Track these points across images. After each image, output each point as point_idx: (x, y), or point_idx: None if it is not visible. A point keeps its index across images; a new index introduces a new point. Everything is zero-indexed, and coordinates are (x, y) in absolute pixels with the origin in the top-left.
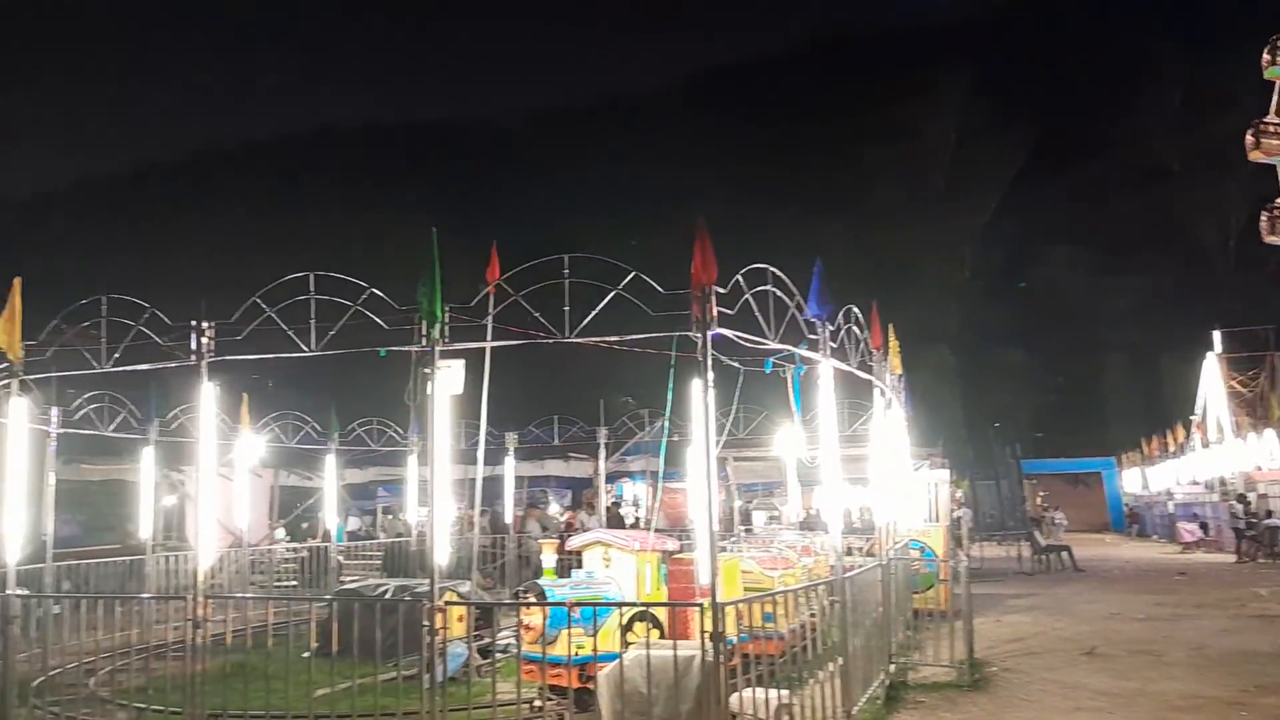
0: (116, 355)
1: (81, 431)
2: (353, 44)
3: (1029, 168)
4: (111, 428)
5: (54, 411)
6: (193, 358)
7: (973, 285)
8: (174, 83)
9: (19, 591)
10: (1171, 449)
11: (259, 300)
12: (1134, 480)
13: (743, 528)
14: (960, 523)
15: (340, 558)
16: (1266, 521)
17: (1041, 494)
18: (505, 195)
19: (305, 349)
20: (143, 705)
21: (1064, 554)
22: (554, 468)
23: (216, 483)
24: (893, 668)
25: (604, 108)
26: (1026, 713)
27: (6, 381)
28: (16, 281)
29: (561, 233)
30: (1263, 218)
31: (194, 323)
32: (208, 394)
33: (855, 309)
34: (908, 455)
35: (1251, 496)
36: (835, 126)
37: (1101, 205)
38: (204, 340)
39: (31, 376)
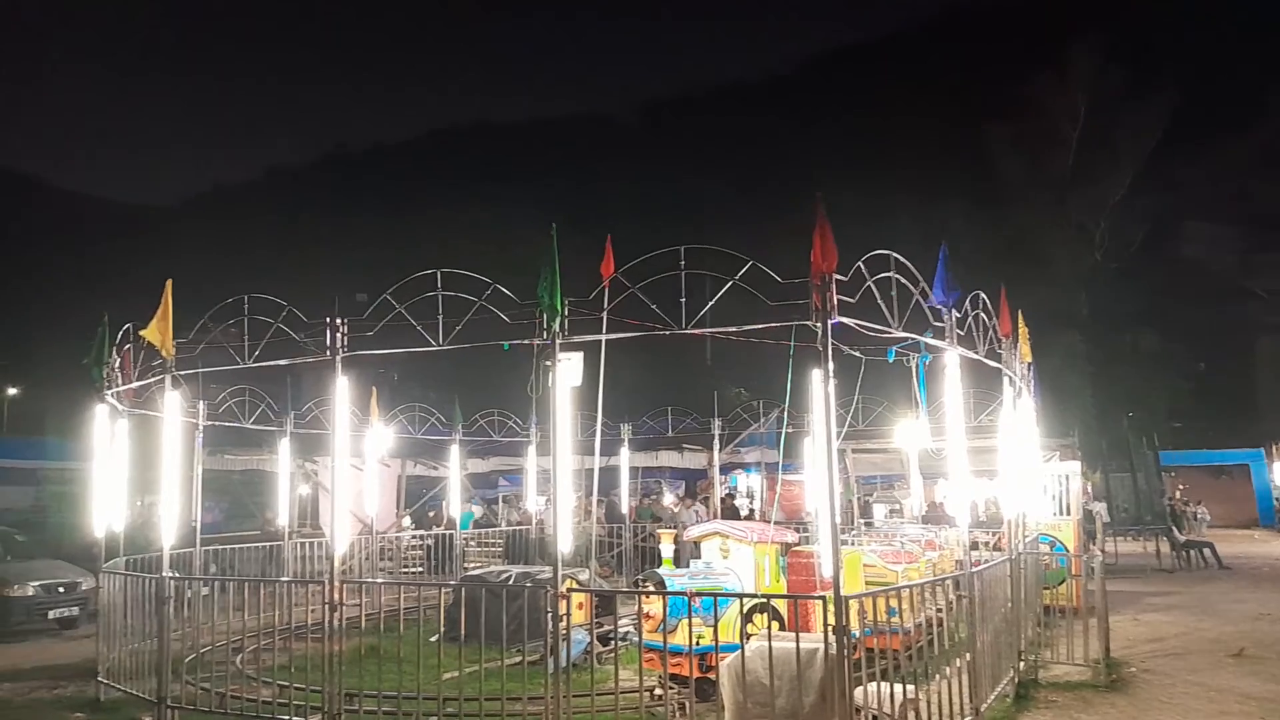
0: (258, 352)
1: (225, 424)
2: (466, 44)
3: (1170, 139)
4: (251, 420)
5: (201, 405)
6: (328, 353)
7: (1105, 267)
8: (302, 91)
9: (173, 573)
10: None
11: (389, 297)
12: None
13: (863, 521)
14: (1094, 516)
15: (473, 544)
16: None
17: (1181, 487)
18: (621, 187)
19: (433, 343)
20: (285, 683)
21: (1206, 550)
22: (668, 459)
23: (349, 472)
24: (1022, 665)
25: (717, 97)
26: (1168, 716)
27: (161, 377)
28: (168, 283)
29: (677, 224)
30: None
31: (329, 319)
32: (342, 387)
33: (983, 295)
34: (1037, 446)
35: None
36: (956, 104)
37: (1251, 177)
38: (338, 336)
39: (182, 372)
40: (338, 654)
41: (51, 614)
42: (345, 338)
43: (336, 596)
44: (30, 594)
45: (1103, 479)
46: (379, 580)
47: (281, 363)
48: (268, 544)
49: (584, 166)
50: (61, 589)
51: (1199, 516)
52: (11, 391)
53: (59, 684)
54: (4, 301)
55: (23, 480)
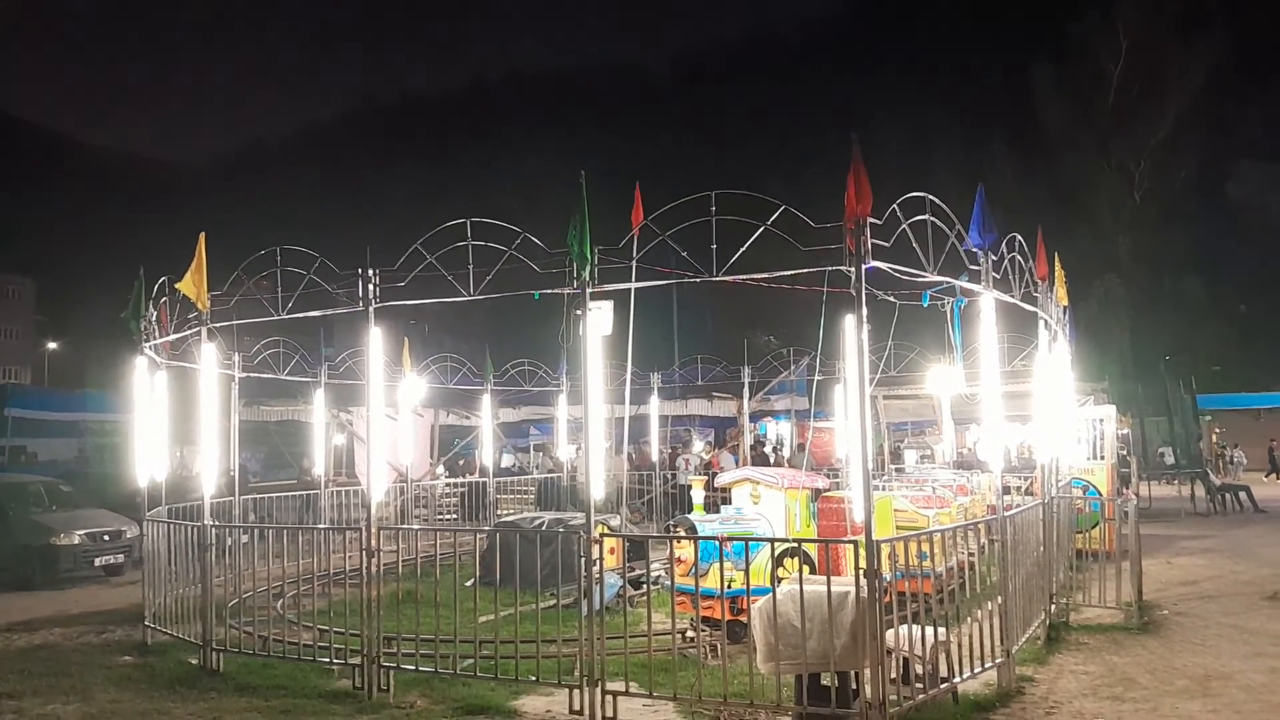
0: (291, 304)
1: (260, 375)
2: None
3: (1217, 79)
4: (286, 371)
5: (236, 357)
6: (360, 304)
7: (1146, 210)
8: (334, 42)
9: (214, 521)
10: None
11: (420, 248)
12: None
13: (894, 466)
14: (1128, 460)
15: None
16: None
17: (1218, 430)
18: (653, 136)
19: (464, 293)
20: (325, 627)
21: (1241, 494)
22: (697, 407)
23: (383, 422)
24: (1054, 608)
25: (749, 42)
26: (1200, 657)
27: (196, 330)
28: (201, 236)
29: (711, 171)
30: None
31: (361, 270)
32: (375, 338)
33: (1019, 237)
34: (1072, 391)
35: None
36: (999, 44)
37: None
38: (371, 287)
39: (217, 325)
40: (375, 599)
41: (98, 561)
42: (377, 288)
43: (373, 543)
44: (76, 542)
45: (1138, 423)
46: (415, 527)
47: (314, 314)
48: (304, 492)
49: (616, 116)
50: (106, 537)
51: (1235, 460)
52: (53, 345)
53: (107, 629)
54: (45, 258)
55: (66, 432)
